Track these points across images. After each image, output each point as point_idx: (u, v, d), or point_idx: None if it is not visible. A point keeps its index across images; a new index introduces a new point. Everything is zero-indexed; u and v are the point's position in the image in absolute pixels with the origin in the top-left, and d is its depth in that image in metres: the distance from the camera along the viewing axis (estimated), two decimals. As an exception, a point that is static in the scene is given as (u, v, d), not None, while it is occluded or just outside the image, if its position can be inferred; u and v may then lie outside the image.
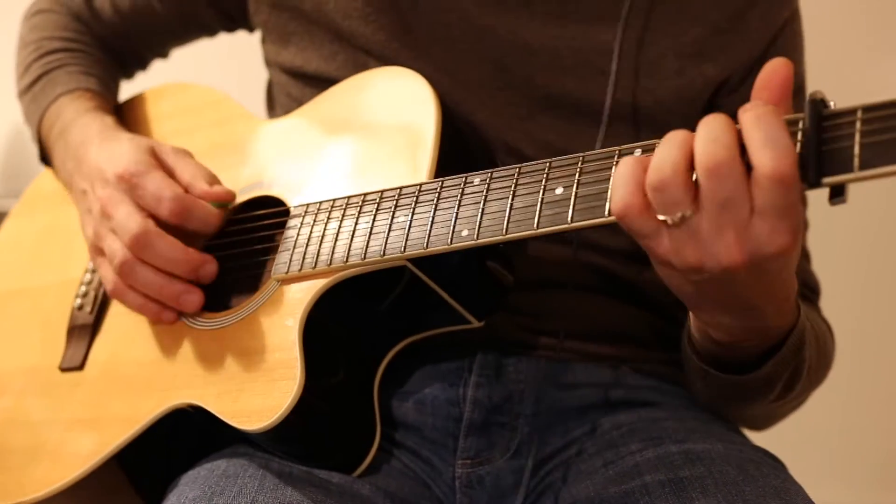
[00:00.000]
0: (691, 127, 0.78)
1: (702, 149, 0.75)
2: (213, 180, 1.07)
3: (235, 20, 1.26)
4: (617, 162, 0.82)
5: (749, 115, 0.75)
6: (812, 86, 1.18)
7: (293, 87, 1.17)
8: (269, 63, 1.23)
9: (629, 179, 0.77)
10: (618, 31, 1.05)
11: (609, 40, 1.05)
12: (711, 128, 0.76)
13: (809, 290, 1.17)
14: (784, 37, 1.13)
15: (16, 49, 1.33)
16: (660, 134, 0.80)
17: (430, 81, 1.03)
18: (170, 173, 1.06)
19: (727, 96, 1.11)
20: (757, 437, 1.11)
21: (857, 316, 1.98)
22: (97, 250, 1.07)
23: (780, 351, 0.93)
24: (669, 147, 0.77)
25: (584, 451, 1.05)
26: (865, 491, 2.18)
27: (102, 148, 1.10)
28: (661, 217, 0.77)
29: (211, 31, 1.31)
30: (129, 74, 1.38)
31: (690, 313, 0.93)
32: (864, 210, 1.86)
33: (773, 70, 0.79)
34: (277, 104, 1.23)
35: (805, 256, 1.17)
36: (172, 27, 1.30)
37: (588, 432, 1.07)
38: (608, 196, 0.81)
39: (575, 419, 1.08)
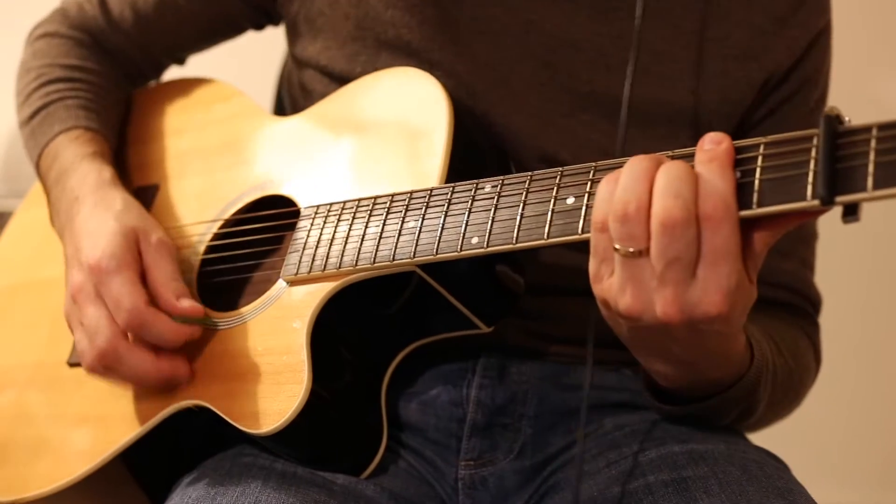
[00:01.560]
0: (732, 130, 0.79)
1: (661, 202, 0.76)
2: (183, 293, 1.02)
3: (268, 13, 1.23)
4: None
5: (700, 158, 0.77)
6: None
7: (318, 82, 1.15)
8: (294, 56, 1.21)
9: (605, 205, 0.79)
10: (662, 30, 1.05)
11: (654, 39, 1.05)
12: (673, 179, 0.76)
13: (809, 303, 1.17)
14: (819, 45, 1.12)
15: (17, 73, 1.28)
16: (701, 135, 0.81)
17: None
18: (145, 271, 1.02)
19: (767, 97, 1.11)
20: (759, 438, 1.11)
21: (857, 317, 1.98)
22: (70, 327, 1.05)
23: (723, 393, 0.95)
24: (634, 180, 0.77)
25: (586, 452, 1.05)
26: (867, 491, 2.18)
27: (91, 216, 1.06)
28: (615, 245, 0.78)
29: (239, 31, 1.28)
30: (143, 82, 1.33)
31: None
32: (866, 211, 1.85)
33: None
34: (299, 97, 1.21)
35: (808, 267, 1.17)
36: (198, 26, 1.26)
37: (591, 433, 1.07)
38: None
39: (577, 421, 1.08)
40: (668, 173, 0.77)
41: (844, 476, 2.16)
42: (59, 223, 1.14)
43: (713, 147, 0.77)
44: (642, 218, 0.76)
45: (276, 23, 1.25)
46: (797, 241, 1.14)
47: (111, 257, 1.00)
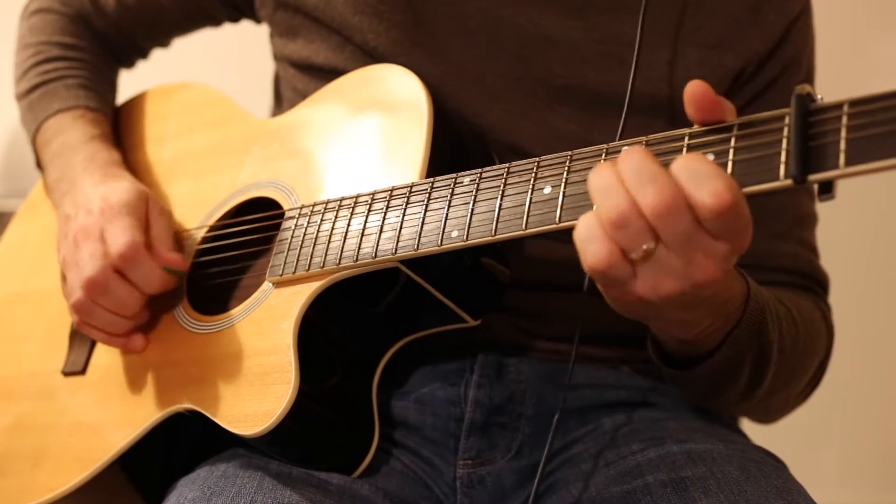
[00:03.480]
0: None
1: (645, 192, 0.75)
2: (174, 249, 1.09)
3: (241, 11, 1.26)
4: (605, 160, 0.82)
5: (676, 165, 0.75)
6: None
7: (299, 80, 1.17)
8: (277, 56, 1.23)
9: (595, 231, 0.77)
10: (638, 23, 1.05)
11: (629, 32, 1.05)
12: (640, 168, 0.75)
13: (816, 283, 1.15)
14: (796, 29, 1.12)
15: (15, 47, 1.33)
16: (680, 125, 0.80)
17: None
18: (145, 227, 1.08)
19: (741, 87, 1.11)
20: (758, 437, 1.10)
21: (857, 316, 1.97)
22: (63, 277, 1.09)
23: (734, 330, 0.93)
24: (605, 188, 0.76)
25: (585, 452, 1.04)
26: (866, 491, 2.16)
27: (103, 181, 1.12)
28: (631, 255, 0.76)
29: (216, 22, 1.32)
30: (129, 65, 1.39)
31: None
32: (865, 209, 1.85)
33: (692, 93, 0.78)
34: (284, 99, 1.23)
35: (808, 248, 1.16)
36: (177, 19, 1.31)
37: (589, 432, 1.07)
38: None
39: (576, 419, 1.08)
40: (630, 165, 0.76)
41: (844, 476, 2.15)
42: (58, 191, 1.18)
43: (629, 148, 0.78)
44: (636, 213, 0.75)
45: (257, 21, 1.27)
46: (792, 223, 1.13)
47: (124, 204, 1.07)
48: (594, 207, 0.77)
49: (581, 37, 1.08)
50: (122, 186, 1.10)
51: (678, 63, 1.08)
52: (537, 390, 1.07)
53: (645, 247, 0.76)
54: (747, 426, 1.17)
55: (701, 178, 0.73)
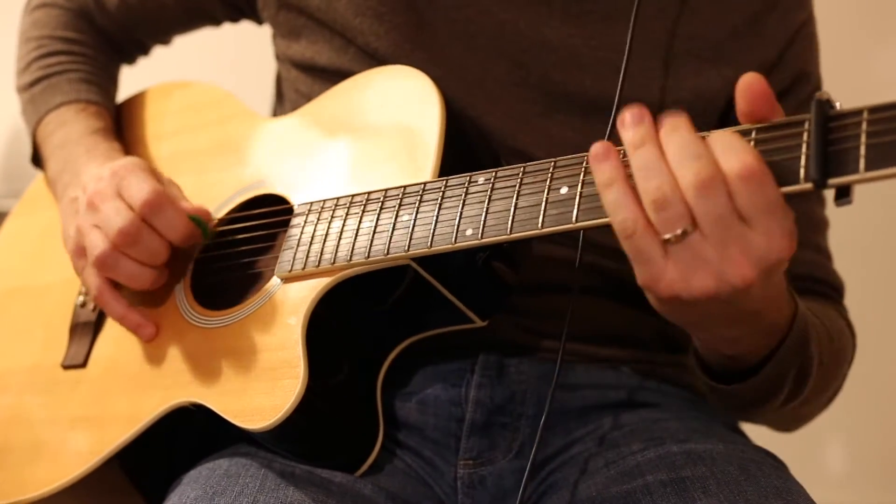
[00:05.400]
0: (708, 128, 0.79)
1: (688, 169, 0.75)
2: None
3: (243, 12, 1.27)
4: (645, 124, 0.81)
5: (712, 137, 0.77)
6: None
7: (302, 82, 1.17)
8: (279, 57, 1.24)
9: (624, 197, 0.78)
10: (629, 31, 1.05)
11: (626, 40, 1.05)
12: (686, 145, 0.76)
13: (833, 289, 1.16)
14: (800, 40, 1.13)
15: (17, 41, 1.33)
16: None
17: (441, 83, 1.03)
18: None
19: None
20: (758, 437, 1.10)
21: (856, 316, 1.98)
22: (79, 250, 1.08)
23: (780, 349, 0.93)
24: (649, 162, 0.77)
25: (585, 452, 1.05)
26: (866, 491, 2.18)
27: (106, 163, 1.12)
28: (665, 235, 0.76)
29: (216, 22, 1.32)
30: (131, 61, 1.39)
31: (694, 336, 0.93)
32: (865, 210, 1.85)
33: (748, 85, 0.78)
34: (286, 99, 1.23)
35: (824, 254, 1.17)
36: (178, 17, 1.31)
37: (590, 433, 1.07)
38: None
39: (576, 420, 1.08)
40: (676, 140, 0.77)
41: (844, 476, 2.16)
42: (61, 183, 1.18)
43: (674, 119, 0.78)
44: (679, 195, 0.75)
45: (258, 22, 1.27)
46: (809, 230, 1.14)
47: (135, 164, 1.09)
48: (636, 183, 0.77)
49: (579, 44, 1.08)
50: (126, 157, 1.11)
51: (672, 72, 1.09)
52: (538, 390, 1.07)
53: (680, 230, 0.76)
54: (747, 426, 1.18)
55: (733, 150, 0.75)
